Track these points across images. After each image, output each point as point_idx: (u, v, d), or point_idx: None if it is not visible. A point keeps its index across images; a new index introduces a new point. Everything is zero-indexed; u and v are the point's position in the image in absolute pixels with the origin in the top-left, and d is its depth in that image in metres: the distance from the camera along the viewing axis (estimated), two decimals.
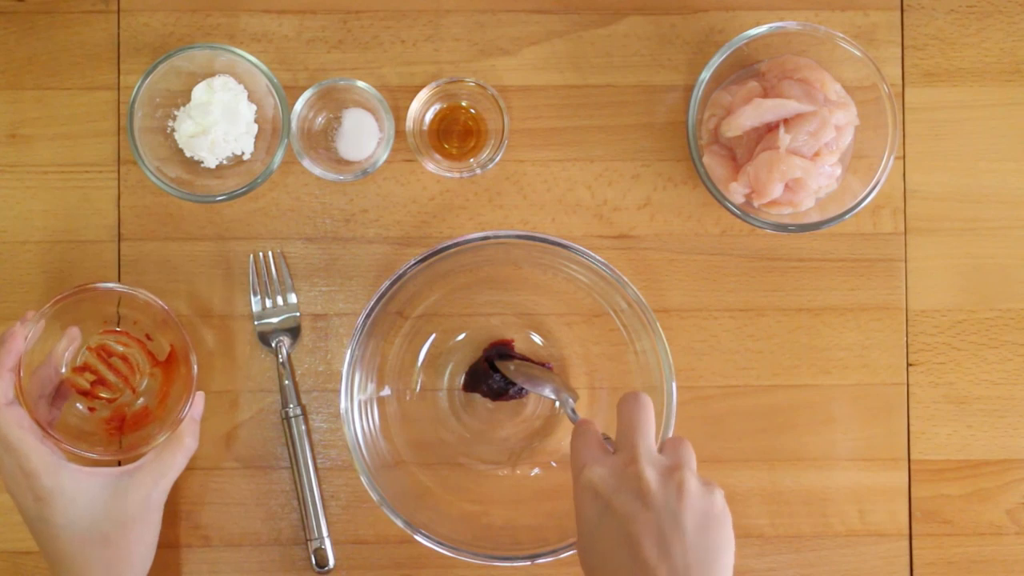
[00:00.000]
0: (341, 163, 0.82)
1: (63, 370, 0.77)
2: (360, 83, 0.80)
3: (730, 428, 0.83)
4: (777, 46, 0.80)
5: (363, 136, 0.81)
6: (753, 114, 0.78)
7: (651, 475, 0.61)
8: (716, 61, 0.79)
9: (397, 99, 0.82)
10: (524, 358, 0.82)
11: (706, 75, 0.79)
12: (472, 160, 0.82)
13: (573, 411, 0.77)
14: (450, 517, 0.79)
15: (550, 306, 0.82)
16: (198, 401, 0.77)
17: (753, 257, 0.83)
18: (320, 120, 0.82)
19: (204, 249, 0.82)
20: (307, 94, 0.79)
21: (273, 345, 0.82)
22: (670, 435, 0.76)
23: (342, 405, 0.76)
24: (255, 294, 0.82)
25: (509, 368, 0.81)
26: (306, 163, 0.80)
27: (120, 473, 0.73)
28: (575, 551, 0.75)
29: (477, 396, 0.82)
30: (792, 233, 0.80)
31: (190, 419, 0.76)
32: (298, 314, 0.82)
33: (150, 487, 0.73)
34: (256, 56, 0.79)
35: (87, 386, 0.78)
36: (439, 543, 0.76)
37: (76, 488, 0.71)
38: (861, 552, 0.83)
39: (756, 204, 0.80)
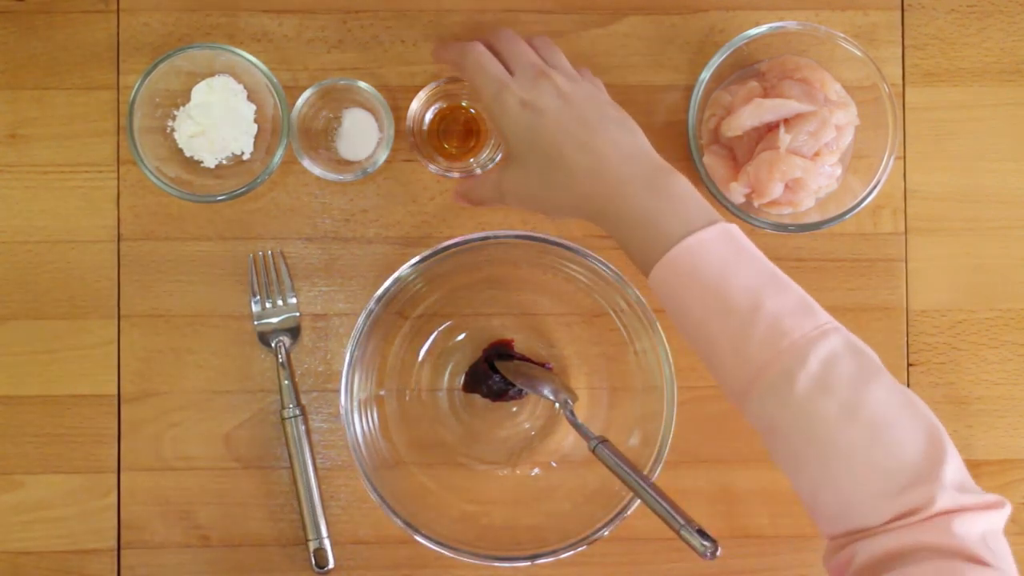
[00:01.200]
0: (341, 163, 0.82)
1: None
2: (360, 83, 0.80)
3: (730, 428, 0.83)
4: (777, 46, 0.80)
5: (363, 136, 0.81)
6: (753, 114, 0.78)
7: (560, 79, 0.72)
8: (716, 61, 0.78)
9: (397, 99, 0.82)
10: (524, 358, 0.82)
11: (706, 75, 0.79)
12: (472, 160, 0.82)
13: (572, 412, 0.77)
14: (450, 517, 0.79)
15: (550, 306, 0.82)
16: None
17: None
18: (320, 120, 0.82)
19: (204, 249, 0.82)
20: (307, 94, 0.79)
21: (273, 345, 0.82)
22: (671, 434, 0.76)
23: (342, 405, 0.76)
24: (255, 294, 0.82)
25: (509, 368, 0.81)
26: (306, 163, 0.80)
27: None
28: (574, 551, 0.75)
29: (477, 396, 0.82)
30: (792, 233, 0.80)
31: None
32: (298, 314, 0.82)
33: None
34: (256, 56, 0.79)
35: None
36: (439, 543, 0.75)
37: None
38: None
39: (756, 204, 0.80)
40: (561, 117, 0.70)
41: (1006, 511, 0.61)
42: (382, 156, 0.80)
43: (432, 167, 0.81)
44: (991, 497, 0.61)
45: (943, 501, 0.59)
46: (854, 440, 0.61)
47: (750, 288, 0.64)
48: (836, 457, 0.62)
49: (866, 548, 0.60)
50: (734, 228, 0.66)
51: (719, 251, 0.65)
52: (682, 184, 0.68)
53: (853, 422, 0.61)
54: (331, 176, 0.80)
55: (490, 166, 0.81)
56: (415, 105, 0.81)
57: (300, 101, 0.79)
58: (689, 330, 0.67)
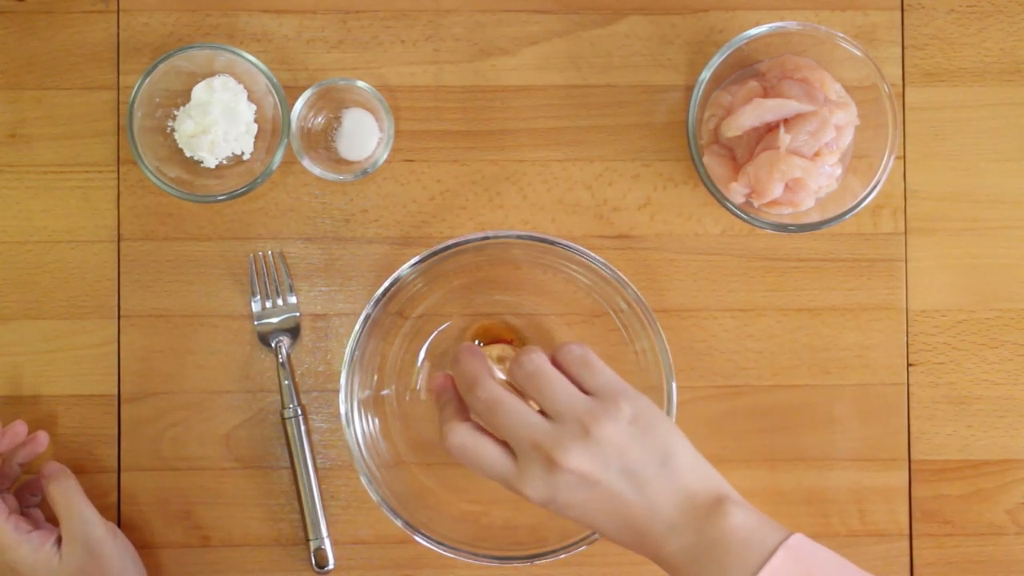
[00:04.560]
0: (341, 163, 0.82)
1: None
2: (360, 83, 0.80)
3: (730, 428, 0.83)
4: (777, 46, 0.80)
5: (363, 136, 0.81)
6: (753, 114, 0.78)
7: (573, 466, 0.60)
8: (716, 61, 0.78)
9: (397, 99, 0.82)
10: None
11: (706, 75, 0.79)
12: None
13: None
14: (450, 517, 0.79)
15: (550, 306, 0.82)
16: (40, 439, 0.78)
17: (753, 257, 0.83)
18: (320, 120, 0.82)
19: (204, 249, 0.82)
20: (307, 94, 0.79)
21: (273, 345, 0.82)
22: None
23: (342, 406, 0.76)
24: (255, 294, 0.82)
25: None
26: (306, 163, 0.80)
27: (55, 540, 0.75)
28: (574, 551, 0.75)
29: None
30: (792, 233, 0.80)
31: (45, 461, 0.78)
32: (298, 314, 0.82)
33: (82, 537, 0.74)
34: (256, 56, 0.79)
35: None
36: (439, 543, 0.75)
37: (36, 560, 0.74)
38: (861, 552, 0.83)
39: (756, 204, 0.80)
40: (589, 507, 0.61)
41: None
42: (382, 156, 0.80)
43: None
44: None
45: None
46: None
47: None
48: None
49: None
50: (801, 543, 0.59)
51: None
52: (740, 518, 0.61)
53: None
54: (331, 176, 0.80)
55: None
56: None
57: (300, 101, 0.79)
58: None
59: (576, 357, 0.63)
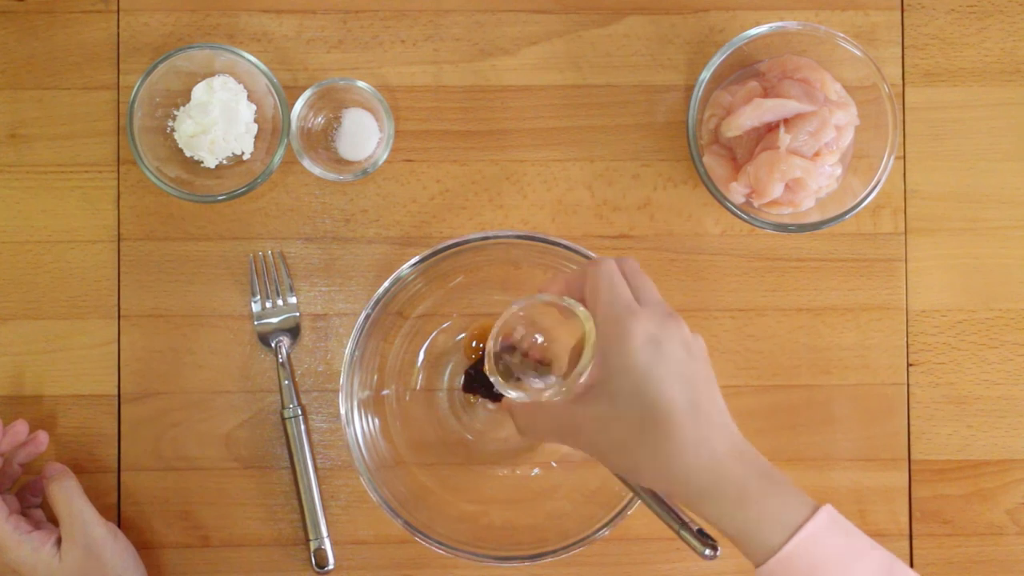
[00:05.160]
0: (341, 163, 0.82)
1: None
2: (360, 83, 0.80)
3: None
4: (777, 46, 0.80)
5: (363, 136, 0.81)
6: (753, 114, 0.78)
7: (687, 329, 0.63)
8: (716, 61, 0.78)
9: (397, 99, 0.82)
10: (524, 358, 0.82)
11: (706, 75, 0.79)
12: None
13: None
14: (450, 517, 0.79)
15: None
16: (40, 439, 0.78)
17: (753, 257, 0.83)
18: (320, 120, 0.82)
19: (204, 249, 0.82)
20: (307, 94, 0.79)
21: (273, 345, 0.82)
22: None
23: (342, 406, 0.76)
24: (255, 294, 0.82)
25: None
26: (306, 163, 0.80)
27: (55, 540, 0.75)
28: (574, 550, 0.75)
29: (477, 396, 0.82)
30: (792, 233, 0.80)
31: (46, 461, 0.79)
32: (298, 314, 0.82)
33: (82, 538, 0.75)
34: (256, 56, 0.79)
35: None
36: (439, 543, 0.75)
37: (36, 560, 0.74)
38: None
39: (756, 204, 0.80)
40: (683, 371, 0.61)
41: None
42: (382, 156, 0.80)
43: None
44: None
45: None
46: None
47: None
48: None
49: None
50: (835, 512, 0.61)
51: (831, 546, 0.60)
52: (778, 471, 0.62)
53: None
54: (331, 176, 0.80)
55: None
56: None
57: (300, 101, 0.79)
58: None
59: (633, 269, 0.65)
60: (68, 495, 0.75)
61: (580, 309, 0.63)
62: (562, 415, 0.63)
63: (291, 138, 0.79)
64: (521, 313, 0.65)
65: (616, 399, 0.61)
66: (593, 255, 0.76)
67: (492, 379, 0.64)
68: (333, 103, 0.82)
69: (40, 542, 0.74)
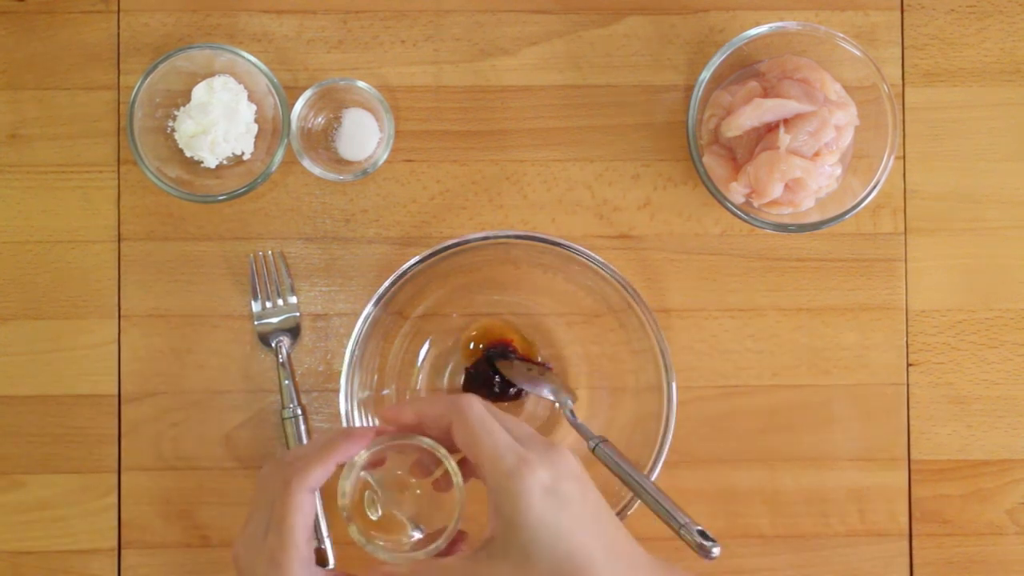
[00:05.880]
0: (341, 163, 0.82)
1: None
2: (360, 83, 0.80)
3: (730, 428, 0.83)
4: (777, 46, 0.80)
5: (363, 136, 0.81)
6: (753, 114, 0.78)
7: (570, 460, 0.58)
8: (716, 61, 0.79)
9: (397, 99, 0.82)
10: (524, 358, 0.82)
11: (706, 75, 0.79)
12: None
13: (572, 412, 0.77)
14: None
15: (550, 306, 0.82)
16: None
17: (753, 257, 0.83)
18: (320, 120, 0.82)
19: (204, 249, 0.82)
20: (307, 94, 0.79)
21: (273, 345, 0.82)
22: (670, 434, 0.76)
23: (342, 406, 0.76)
24: (255, 294, 0.82)
25: (509, 368, 0.81)
26: (306, 163, 0.80)
27: None
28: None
29: None
30: (792, 233, 0.80)
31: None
32: (298, 314, 0.82)
33: None
34: (256, 56, 0.79)
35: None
36: None
37: None
38: (861, 552, 0.83)
39: (756, 204, 0.80)
40: (586, 511, 0.57)
41: None
42: (382, 156, 0.80)
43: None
44: None
45: None
46: None
47: None
48: None
49: None
50: None
51: None
52: None
53: None
54: (331, 176, 0.80)
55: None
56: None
57: (300, 101, 0.79)
58: None
59: (488, 406, 0.60)
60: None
61: (451, 463, 0.58)
62: (468, 573, 0.57)
63: (291, 138, 0.79)
64: (385, 454, 0.60)
65: (524, 556, 0.55)
66: (593, 255, 0.76)
67: (353, 536, 0.58)
68: (333, 103, 0.82)
69: None
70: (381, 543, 0.59)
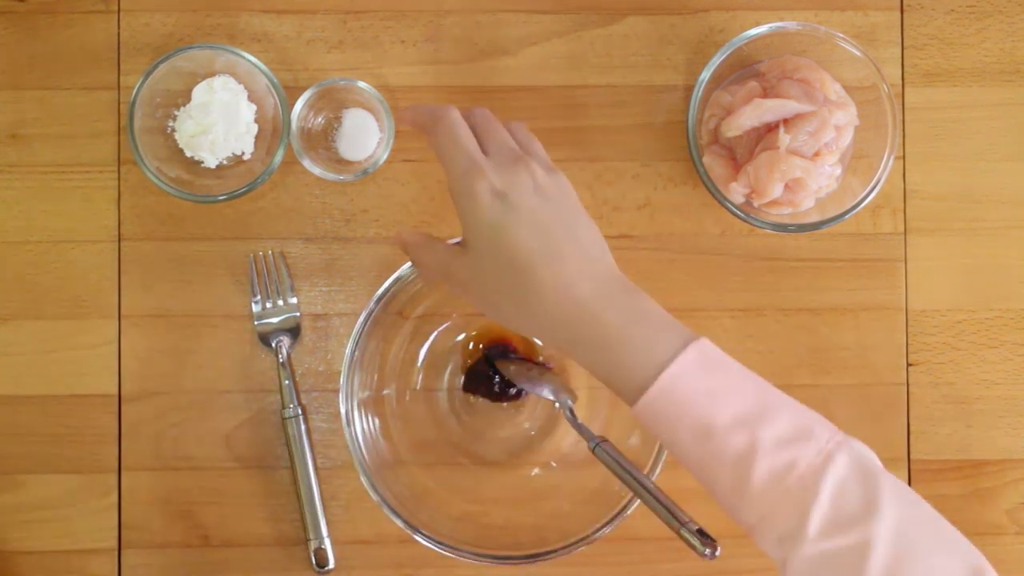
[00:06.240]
0: (341, 163, 0.82)
1: None
2: (360, 83, 0.80)
3: None
4: (777, 46, 0.80)
5: (363, 136, 0.81)
6: (753, 114, 0.78)
7: (539, 171, 0.63)
8: (716, 61, 0.79)
9: (397, 99, 0.82)
10: (524, 358, 0.82)
11: (706, 75, 0.79)
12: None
13: (572, 412, 0.77)
14: (450, 517, 0.79)
15: None
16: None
17: (753, 257, 0.83)
18: (320, 120, 0.82)
19: (204, 249, 0.82)
20: (307, 94, 0.80)
21: (273, 345, 0.82)
22: None
23: (342, 406, 0.76)
24: (255, 294, 0.82)
25: (509, 368, 0.81)
26: (306, 163, 0.80)
27: None
28: (574, 550, 0.75)
29: (477, 396, 0.82)
30: (792, 233, 0.80)
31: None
32: (298, 314, 0.82)
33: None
34: (256, 56, 0.79)
35: None
36: (439, 543, 0.76)
37: None
38: None
39: (756, 204, 0.80)
40: (535, 218, 0.61)
41: None
42: (382, 156, 0.80)
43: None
44: None
45: None
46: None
47: (742, 420, 0.59)
48: None
49: None
50: (708, 345, 0.60)
51: (702, 380, 0.59)
52: (651, 304, 0.62)
53: (868, 560, 0.56)
54: (331, 176, 0.80)
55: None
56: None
57: (300, 101, 0.79)
58: (685, 464, 0.62)
59: (483, 117, 0.66)
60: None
61: None
62: (444, 260, 0.65)
63: (291, 138, 0.79)
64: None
65: (478, 256, 0.62)
66: None
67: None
68: (333, 103, 0.82)
69: None
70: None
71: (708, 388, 0.59)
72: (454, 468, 0.82)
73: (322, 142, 0.82)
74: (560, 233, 0.61)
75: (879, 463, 0.60)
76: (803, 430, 0.59)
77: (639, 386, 0.59)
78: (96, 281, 0.82)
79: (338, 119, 0.82)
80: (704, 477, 0.61)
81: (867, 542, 0.56)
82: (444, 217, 0.83)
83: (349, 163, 0.82)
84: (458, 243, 0.65)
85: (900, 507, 0.57)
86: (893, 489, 0.58)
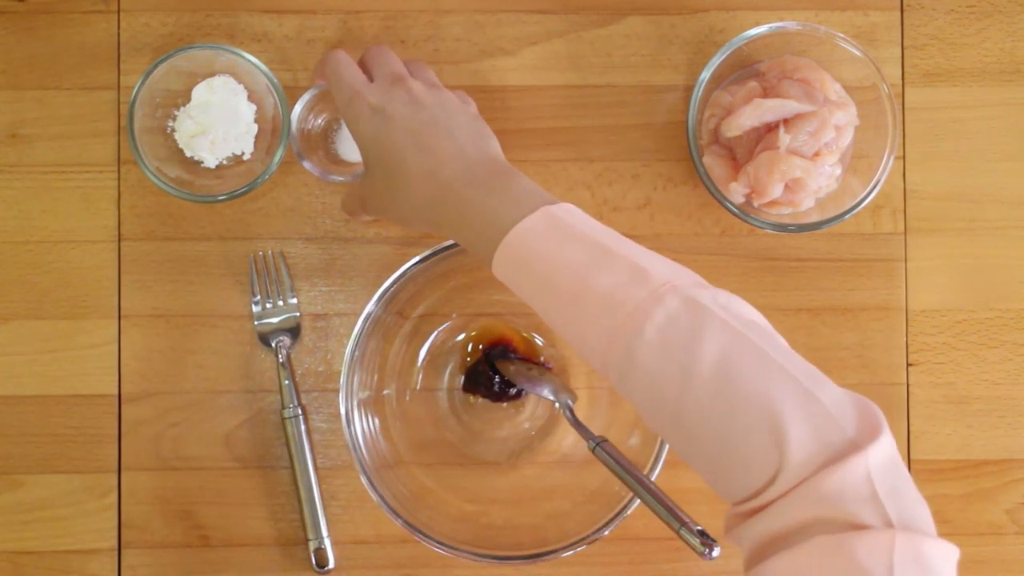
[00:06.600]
0: (341, 164, 0.82)
1: None
2: None
3: None
4: (777, 46, 0.80)
5: None
6: (753, 114, 0.78)
7: (417, 86, 0.70)
8: (716, 61, 0.79)
9: None
10: (524, 358, 0.82)
11: (706, 75, 0.79)
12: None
13: (571, 412, 0.77)
14: (450, 517, 0.79)
15: None
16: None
17: (753, 257, 0.83)
18: (320, 121, 0.82)
19: (204, 249, 0.82)
20: (307, 95, 0.79)
21: (273, 345, 0.82)
22: None
23: (342, 406, 0.76)
24: (255, 294, 0.82)
25: (509, 368, 0.81)
26: (306, 164, 0.80)
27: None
28: (574, 550, 0.75)
29: (477, 396, 0.82)
30: (792, 233, 0.80)
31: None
32: (298, 314, 0.82)
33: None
34: (256, 56, 0.79)
35: None
36: (439, 543, 0.76)
37: None
38: None
39: (756, 204, 0.80)
40: (408, 123, 0.68)
41: (885, 443, 0.57)
42: None
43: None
44: (863, 434, 0.57)
45: (793, 471, 0.54)
46: (702, 402, 0.57)
47: (575, 270, 0.61)
48: (689, 426, 0.58)
49: (748, 534, 0.57)
50: (560, 209, 0.63)
51: (544, 237, 0.63)
52: (524, 182, 0.66)
53: (692, 383, 0.57)
54: (331, 176, 0.80)
55: None
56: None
57: (300, 102, 0.79)
58: (547, 321, 0.65)
59: (377, 51, 0.73)
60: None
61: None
62: (354, 190, 0.75)
63: (291, 138, 0.79)
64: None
65: (370, 170, 0.71)
66: None
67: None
68: (333, 105, 0.82)
69: None
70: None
71: (547, 246, 0.63)
72: (454, 468, 0.82)
73: (322, 143, 0.82)
74: (430, 131, 0.68)
75: (729, 305, 0.60)
76: (639, 274, 0.61)
77: (491, 247, 0.64)
78: (96, 281, 0.82)
79: (338, 120, 0.82)
80: (565, 333, 0.64)
81: (688, 368, 0.57)
82: None
83: (349, 164, 0.82)
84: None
85: (723, 337, 0.58)
86: (722, 322, 0.58)
